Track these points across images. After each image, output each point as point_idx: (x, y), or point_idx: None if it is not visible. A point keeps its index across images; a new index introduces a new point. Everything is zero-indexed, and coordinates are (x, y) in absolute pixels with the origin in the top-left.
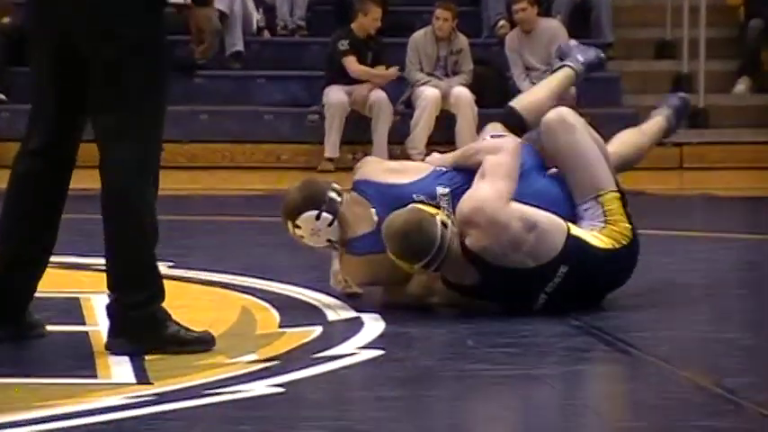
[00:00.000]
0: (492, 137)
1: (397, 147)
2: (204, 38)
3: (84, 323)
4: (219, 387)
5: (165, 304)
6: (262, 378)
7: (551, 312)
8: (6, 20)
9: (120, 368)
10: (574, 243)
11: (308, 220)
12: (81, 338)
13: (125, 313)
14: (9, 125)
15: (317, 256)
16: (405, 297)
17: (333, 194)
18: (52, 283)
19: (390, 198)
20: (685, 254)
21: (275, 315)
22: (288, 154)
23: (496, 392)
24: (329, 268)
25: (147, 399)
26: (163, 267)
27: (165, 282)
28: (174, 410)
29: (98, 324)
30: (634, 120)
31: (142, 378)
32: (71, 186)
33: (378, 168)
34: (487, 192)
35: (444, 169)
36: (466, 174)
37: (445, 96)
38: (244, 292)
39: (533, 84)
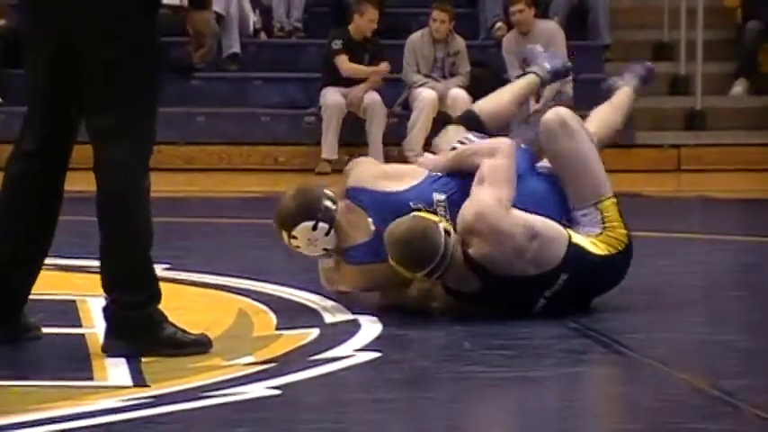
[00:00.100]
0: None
1: (394, 148)
2: (203, 42)
3: (80, 325)
4: (216, 389)
5: (161, 306)
6: (259, 380)
7: (548, 315)
8: (2, 22)
9: (116, 370)
10: (574, 251)
11: (304, 230)
12: (77, 341)
13: (121, 315)
14: (5, 127)
15: (314, 258)
16: (403, 300)
17: (328, 203)
18: (48, 285)
19: (386, 206)
20: (682, 256)
21: (272, 317)
22: (285, 156)
23: (493, 395)
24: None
25: (143, 401)
26: (159, 269)
27: (162, 284)
28: (171, 413)
29: (94, 326)
30: (631, 121)
31: (139, 380)
32: (66, 189)
33: (371, 173)
34: (489, 199)
35: (438, 174)
36: (460, 179)
37: (442, 98)
38: (240, 294)
39: None
